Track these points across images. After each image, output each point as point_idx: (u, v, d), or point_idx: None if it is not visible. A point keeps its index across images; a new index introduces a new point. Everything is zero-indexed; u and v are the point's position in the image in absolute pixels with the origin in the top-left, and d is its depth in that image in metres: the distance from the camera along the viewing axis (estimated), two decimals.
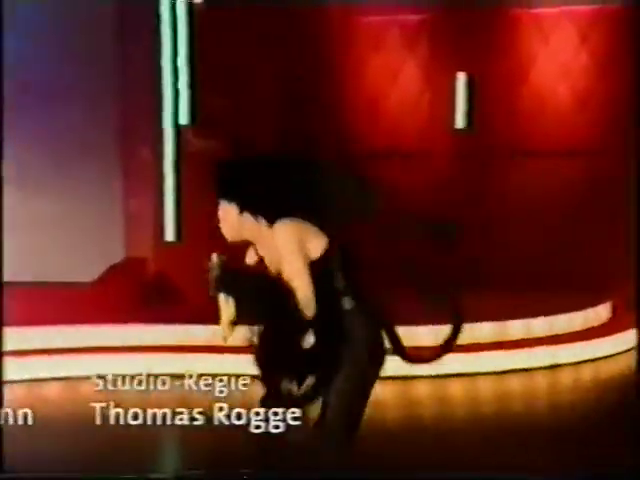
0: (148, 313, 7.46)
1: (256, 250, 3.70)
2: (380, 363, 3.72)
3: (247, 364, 3.74)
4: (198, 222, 7.44)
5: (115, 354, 7.04)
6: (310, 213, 3.54)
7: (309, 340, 3.51)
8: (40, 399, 6.65)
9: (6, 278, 8.06)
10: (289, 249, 3.45)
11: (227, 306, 3.71)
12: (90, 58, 8.64)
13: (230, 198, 3.68)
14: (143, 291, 7.98)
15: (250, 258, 3.74)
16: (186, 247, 8.03)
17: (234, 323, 3.74)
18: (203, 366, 6.82)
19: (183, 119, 8.01)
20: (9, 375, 6.39)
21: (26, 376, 6.83)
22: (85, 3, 8.53)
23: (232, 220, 3.72)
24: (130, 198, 8.61)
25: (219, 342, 6.13)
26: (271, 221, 3.57)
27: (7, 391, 6.09)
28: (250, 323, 3.61)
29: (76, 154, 8.61)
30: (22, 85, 8.26)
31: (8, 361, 6.52)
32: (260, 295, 3.48)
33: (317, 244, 3.54)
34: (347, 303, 3.61)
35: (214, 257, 3.64)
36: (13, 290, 7.97)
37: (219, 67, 8.17)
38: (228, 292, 3.62)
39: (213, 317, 6.55)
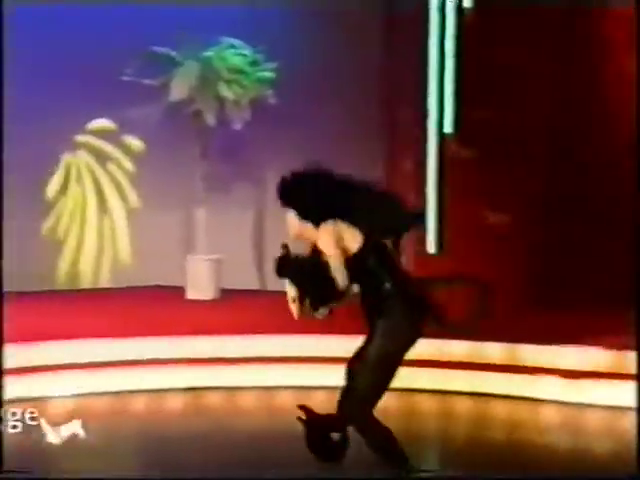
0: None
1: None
2: (411, 340, 4.50)
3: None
4: (460, 233, 7.80)
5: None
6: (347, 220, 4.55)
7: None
8: (274, 407, 6.64)
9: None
10: (324, 244, 4.47)
11: (289, 286, 4.57)
12: (355, 69, 8.76)
13: (291, 207, 4.65)
14: None
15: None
16: (447, 259, 7.88)
17: (299, 301, 4.55)
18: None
19: (447, 128, 7.85)
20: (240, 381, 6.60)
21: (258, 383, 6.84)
22: (354, 16, 8.60)
23: (294, 224, 4.66)
24: None
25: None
26: (317, 225, 4.55)
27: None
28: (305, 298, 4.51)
29: (337, 165, 8.56)
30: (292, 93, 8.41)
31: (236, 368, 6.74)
32: (310, 273, 4.47)
33: (352, 242, 4.53)
34: (387, 286, 4.48)
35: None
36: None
37: (487, 73, 7.93)
38: (284, 273, 4.55)
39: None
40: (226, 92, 8.59)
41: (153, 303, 8.54)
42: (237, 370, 6.92)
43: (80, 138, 9.09)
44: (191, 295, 8.81)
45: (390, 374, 4.51)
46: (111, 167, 8.92)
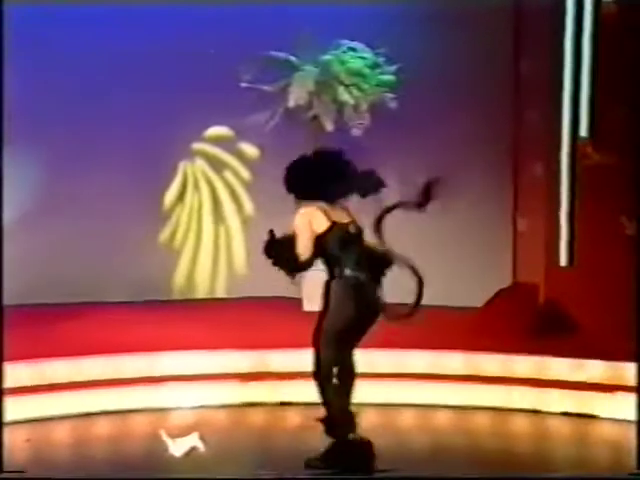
0: (535, 344, 6.95)
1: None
2: (358, 319, 5.29)
3: None
4: (594, 244, 7.43)
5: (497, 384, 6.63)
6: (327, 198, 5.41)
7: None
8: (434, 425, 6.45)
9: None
10: (297, 225, 5.33)
11: None
12: (481, 71, 8.47)
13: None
14: (532, 320, 7.40)
15: None
16: (579, 272, 7.49)
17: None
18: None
19: (582, 131, 7.49)
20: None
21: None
22: (480, 15, 8.29)
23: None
24: (520, 217, 8.23)
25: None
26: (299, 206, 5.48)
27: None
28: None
29: (462, 172, 8.39)
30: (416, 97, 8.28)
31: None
32: (283, 249, 5.38)
33: (320, 225, 5.34)
34: (347, 272, 5.38)
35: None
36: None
37: (624, 75, 7.47)
38: (268, 252, 5.40)
39: (610, 351, 6.41)
40: (345, 96, 8.44)
41: (269, 315, 8.38)
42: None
43: (197, 145, 9.08)
44: (307, 307, 8.48)
45: (342, 346, 5.30)
46: (227, 175, 8.85)
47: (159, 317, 7.77)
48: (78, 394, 6.28)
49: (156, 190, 8.42)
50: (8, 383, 5.97)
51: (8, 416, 5.66)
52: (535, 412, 6.34)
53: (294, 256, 5.28)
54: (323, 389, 5.27)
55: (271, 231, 5.36)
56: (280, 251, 5.32)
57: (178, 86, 8.63)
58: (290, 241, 5.30)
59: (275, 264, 5.35)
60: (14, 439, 5.59)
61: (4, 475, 4.90)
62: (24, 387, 6.20)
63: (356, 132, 8.35)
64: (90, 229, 8.82)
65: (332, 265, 5.37)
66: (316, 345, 5.24)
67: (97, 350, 6.69)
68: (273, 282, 8.26)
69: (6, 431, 4.89)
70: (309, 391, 6.31)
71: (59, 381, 6.33)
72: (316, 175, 5.51)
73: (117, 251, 8.82)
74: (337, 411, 5.24)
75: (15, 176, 8.02)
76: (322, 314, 5.30)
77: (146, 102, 8.30)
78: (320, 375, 5.27)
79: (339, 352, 5.25)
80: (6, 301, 7.64)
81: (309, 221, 5.24)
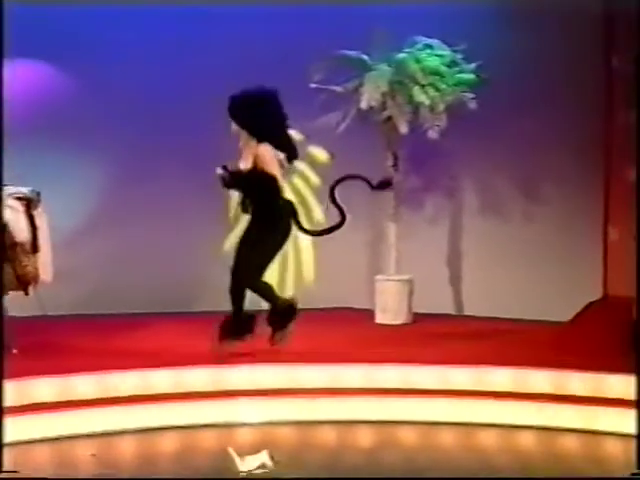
0: (628, 361, 6.68)
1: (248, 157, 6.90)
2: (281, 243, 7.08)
3: None
4: None
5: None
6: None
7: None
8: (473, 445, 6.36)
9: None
10: (266, 155, 6.84)
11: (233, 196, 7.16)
12: (567, 71, 8.38)
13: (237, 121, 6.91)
14: (624, 335, 7.17)
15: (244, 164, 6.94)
16: None
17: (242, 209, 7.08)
18: None
19: None
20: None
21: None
22: (566, 11, 8.13)
23: (244, 138, 6.90)
24: (612, 226, 8.11)
25: None
26: (259, 141, 6.88)
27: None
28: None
29: (551, 177, 8.43)
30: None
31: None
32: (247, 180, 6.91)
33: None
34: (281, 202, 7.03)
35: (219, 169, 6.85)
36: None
37: None
38: (229, 186, 6.96)
39: None
40: (421, 97, 8.32)
41: (340, 327, 8.37)
42: (430, 403, 6.64)
43: None
44: (380, 319, 8.65)
45: (265, 256, 6.96)
46: (296, 180, 8.36)
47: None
48: (144, 408, 6.27)
49: (219, 197, 8.35)
50: (71, 396, 6.18)
51: (70, 429, 5.83)
52: (628, 436, 6.03)
53: (263, 183, 6.79)
54: (263, 290, 6.94)
55: (225, 166, 6.77)
56: (247, 182, 6.80)
57: (243, 87, 8.30)
58: (248, 174, 6.78)
59: (246, 194, 6.83)
60: (78, 453, 5.69)
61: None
62: (88, 400, 6.22)
63: (433, 134, 8.27)
64: (151, 239, 8.93)
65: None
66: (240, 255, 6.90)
67: (163, 362, 6.70)
68: (343, 292, 8.99)
69: (70, 445, 5.00)
70: (381, 409, 6.54)
71: (124, 394, 6.34)
72: (276, 115, 6.89)
73: (177, 261, 8.91)
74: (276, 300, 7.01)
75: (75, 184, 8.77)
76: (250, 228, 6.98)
77: (209, 103, 8.02)
78: (253, 277, 6.86)
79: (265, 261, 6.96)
80: (65, 311, 8.37)
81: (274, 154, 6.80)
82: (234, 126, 6.93)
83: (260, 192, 6.87)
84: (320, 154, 7.72)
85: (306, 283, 8.01)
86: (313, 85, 8.28)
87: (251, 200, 7.00)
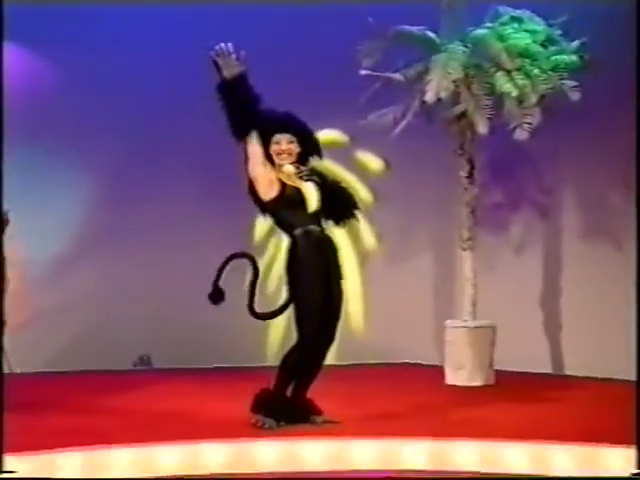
0: None
1: None
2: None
3: None
4: None
5: None
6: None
7: None
8: None
9: None
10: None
11: None
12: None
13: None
14: None
15: None
16: None
17: None
18: None
19: None
20: None
21: None
22: None
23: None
24: None
25: None
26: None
27: None
28: None
29: None
30: None
31: None
32: None
33: None
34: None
35: None
36: None
37: None
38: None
39: None
40: (506, 85, 7.60)
41: (399, 389, 7.89)
42: None
43: None
44: (452, 379, 8.04)
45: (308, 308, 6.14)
46: None
47: (242, 388, 7.02)
48: None
49: (241, 217, 7.54)
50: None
51: None
52: None
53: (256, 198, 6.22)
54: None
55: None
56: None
57: (274, 76, 7.97)
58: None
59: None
60: None
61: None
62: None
63: (522, 135, 7.59)
64: (150, 273, 8.78)
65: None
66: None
67: (170, 434, 6.19)
68: (402, 344, 8.68)
69: None
70: None
71: (117, 475, 5.80)
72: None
73: (182, 302, 8.62)
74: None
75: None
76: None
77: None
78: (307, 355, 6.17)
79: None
80: (38, 367, 8.25)
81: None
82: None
83: (263, 210, 6.27)
84: (371, 162, 6.97)
85: (354, 332, 7.15)
86: (363, 72, 7.75)
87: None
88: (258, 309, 6.57)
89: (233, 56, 6.08)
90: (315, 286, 6.17)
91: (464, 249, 8.15)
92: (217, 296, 6.29)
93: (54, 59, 8.89)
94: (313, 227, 6.14)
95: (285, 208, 6.15)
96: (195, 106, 8.42)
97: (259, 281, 6.27)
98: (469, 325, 8.14)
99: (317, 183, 6.13)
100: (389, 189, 7.04)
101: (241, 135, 6.16)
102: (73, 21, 8.79)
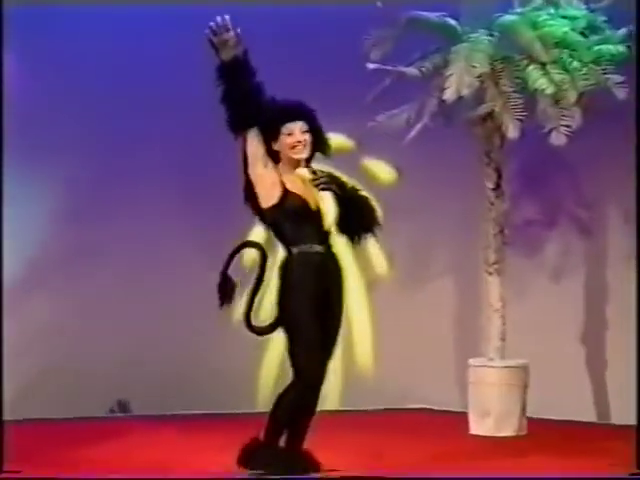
0: None
1: None
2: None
3: None
4: None
5: None
6: None
7: None
8: None
9: None
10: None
11: None
12: None
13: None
14: None
15: None
16: None
17: None
18: None
19: None
20: None
21: None
22: None
23: None
24: None
25: None
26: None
27: None
28: None
29: None
30: None
31: None
32: None
33: None
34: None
35: None
36: None
37: None
38: None
39: None
40: (540, 81, 7.17)
41: (415, 440, 7.59)
42: None
43: None
44: (477, 427, 7.67)
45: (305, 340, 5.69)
46: None
47: (231, 437, 6.73)
48: None
49: (226, 238, 6.96)
50: None
51: None
52: None
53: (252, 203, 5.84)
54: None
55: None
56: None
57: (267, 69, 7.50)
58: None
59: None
60: None
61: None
62: None
63: (558, 139, 7.15)
64: (126, 301, 8.42)
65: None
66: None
67: None
68: (418, 386, 8.44)
69: None
70: None
71: None
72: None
73: (160, 336, 8.36)
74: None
75: None
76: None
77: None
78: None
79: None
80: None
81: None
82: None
83: (263, 219, 5.84)
84: (381, 171, 6.65)
85: (361, 372, 6.99)
86: (370, 66, 7.35)
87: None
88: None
89: (231, 34, 5.67)
90: (310, 316, 5.64)
91: (490, 274, 7.76)
92: (226, 290, 5.76)
93: (16, 60, 8.57)
94: (316, 247, 5.69)
95: (289, 219, 5.64)
96: (175, 110, 8.35)
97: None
98: (496, 364, 7.76)
99: (335, 193, 5.68)
100: (401, 203, 6.90)
101: (241, 128, 5.71)
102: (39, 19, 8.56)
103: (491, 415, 7.67)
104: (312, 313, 5.65)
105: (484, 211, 7.69)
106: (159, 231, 8.65)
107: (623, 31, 7.32)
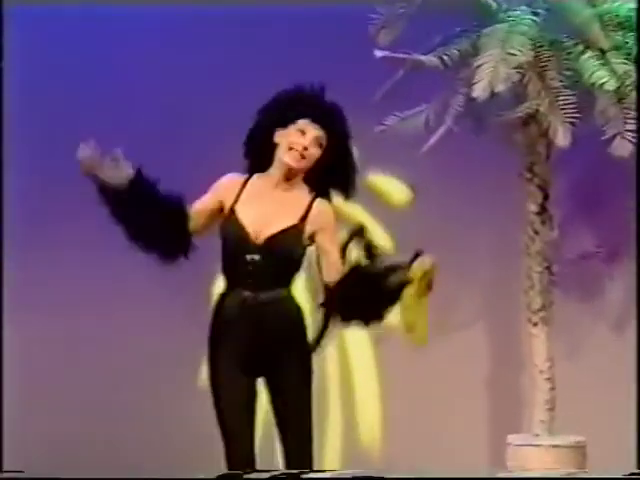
0: None
1: None
2: None
3: None
4: None
5: None
6: None
7: None
8: None
9: None
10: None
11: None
12: None
13: None
14: None
15: None
16: None
17: None
18: None
19: None
20: None
21: None
22: None
23: None
24: None
25: None
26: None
27: None
28: None
29: None
30: None
31: None
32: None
33: None
34: None
35: None
36: None
37: None
38: None
39: None
40: (598, 73, 6.39)
41: None
42: None
43: None
44: None
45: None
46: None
47: None
48: None
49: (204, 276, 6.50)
50: None
51: None
52: None
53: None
54: None
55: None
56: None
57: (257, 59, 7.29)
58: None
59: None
60: None
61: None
62: None
63: (623, 148, 6.37)
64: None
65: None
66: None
67: None
68: (441, 465, 7.61)
69: None
70: None
71: None
72: None
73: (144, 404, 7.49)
74: None
75: None
76: None
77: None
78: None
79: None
80: None
81: None
82: None
83: None
84: (393, 188, 6.67)
85: (366, 450, 7.12)
86: (378, 53, 6.48)
87: None
88: None
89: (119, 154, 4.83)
90: (229, 382, 4.81)
91: (535, 324, 6.91)
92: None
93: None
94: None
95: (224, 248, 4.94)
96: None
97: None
98: (543, 442, 6.88)
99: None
100: (418, 231, 6.53)
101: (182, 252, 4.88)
102: None
103: None
104: (233, 378, 4.82)
105: (526, 242, 6.87)
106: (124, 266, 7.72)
107: None
